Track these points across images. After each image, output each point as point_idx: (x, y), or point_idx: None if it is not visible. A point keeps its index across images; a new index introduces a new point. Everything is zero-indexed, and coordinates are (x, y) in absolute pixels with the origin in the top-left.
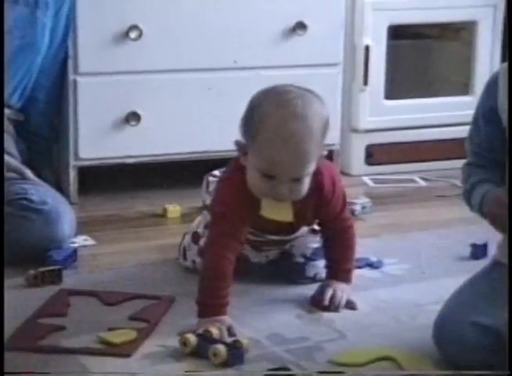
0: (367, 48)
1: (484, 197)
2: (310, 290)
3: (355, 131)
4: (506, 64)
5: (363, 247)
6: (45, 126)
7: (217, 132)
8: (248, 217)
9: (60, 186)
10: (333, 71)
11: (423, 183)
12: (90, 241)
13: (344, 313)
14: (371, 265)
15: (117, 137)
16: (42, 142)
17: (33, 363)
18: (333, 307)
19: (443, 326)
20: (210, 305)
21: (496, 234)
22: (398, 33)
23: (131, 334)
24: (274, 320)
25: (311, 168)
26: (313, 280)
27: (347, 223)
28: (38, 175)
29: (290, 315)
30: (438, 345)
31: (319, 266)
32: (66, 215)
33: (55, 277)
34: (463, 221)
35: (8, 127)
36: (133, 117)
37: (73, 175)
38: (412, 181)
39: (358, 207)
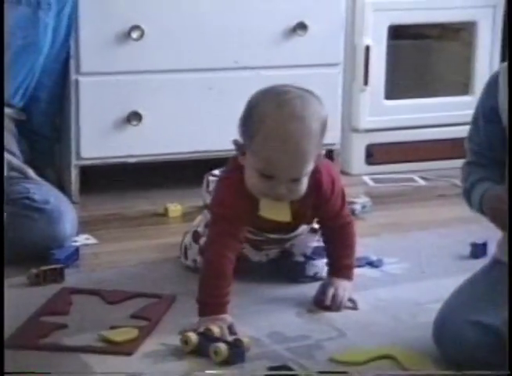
0: (367, 49)
1: (484, 195)
2: (310, 288)
3: (356, 130)
4: (506, 64)
5: (363, 247)
6: (46, 125)
7: (217, 132)
8: (247, 216)
9: (62, 186)
10: (334, 71)
11: (422, 183)
12: (92, 240)
13: (345, 312)
14: (371, 264)
15: (119, 137)
16: (44, 141)
17: (35, 361)
18: (334, 307)
19: (443, 325)
20: (211, 303)
21: (496, 233)
22: (398, 33)
23: (133, 333)
24: (274, 319)
25: (310, 167)
26: (313, 278)
27: (347, 220)
28: (40, 175)
29: (290, 313)
30: (437, 343)
31: (319, 265)
32: (68, 214)
33: (58, 276)
34: (463, 220)
35: (10, 126)
36: (134, 117)
37: (74, 175)
38: (412, 180)
39: (358, 207)
